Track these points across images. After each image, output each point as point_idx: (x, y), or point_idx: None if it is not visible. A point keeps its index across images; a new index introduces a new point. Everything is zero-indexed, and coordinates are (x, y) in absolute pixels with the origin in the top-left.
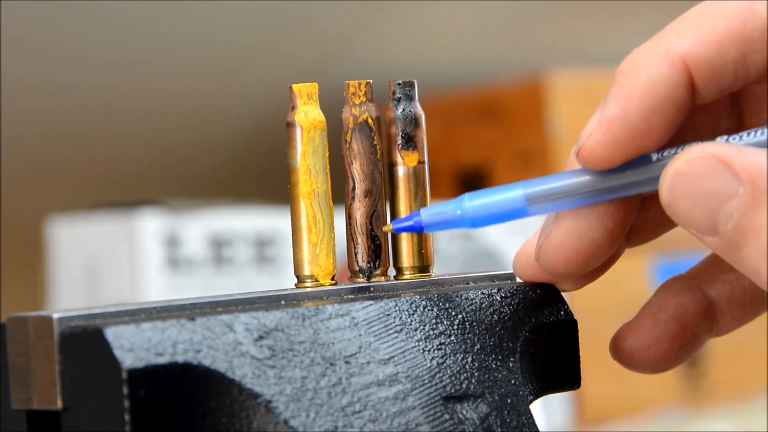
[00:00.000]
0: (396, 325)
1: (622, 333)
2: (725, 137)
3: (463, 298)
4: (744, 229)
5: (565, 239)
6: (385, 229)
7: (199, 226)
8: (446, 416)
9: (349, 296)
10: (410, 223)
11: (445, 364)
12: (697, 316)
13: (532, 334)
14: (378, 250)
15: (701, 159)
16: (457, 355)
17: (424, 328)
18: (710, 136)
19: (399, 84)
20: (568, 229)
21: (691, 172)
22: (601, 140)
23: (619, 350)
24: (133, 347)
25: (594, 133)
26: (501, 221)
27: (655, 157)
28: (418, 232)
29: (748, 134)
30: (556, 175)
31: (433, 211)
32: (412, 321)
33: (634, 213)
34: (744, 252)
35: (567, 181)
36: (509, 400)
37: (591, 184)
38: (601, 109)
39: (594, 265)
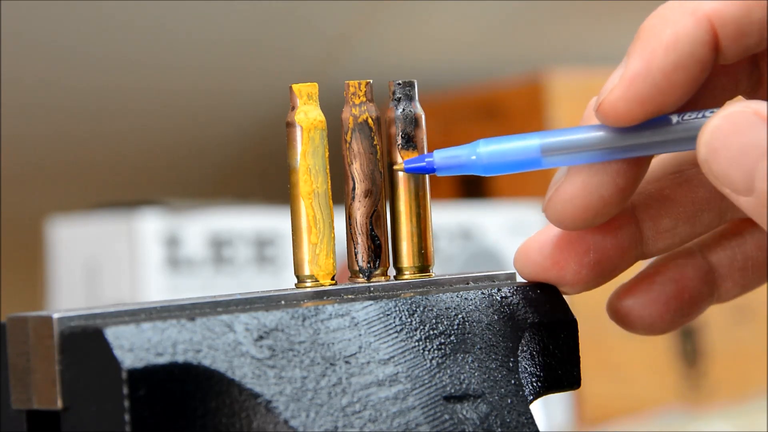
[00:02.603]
0: (396, 325)
1: (619, 293)
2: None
3: (463, 298)
4: None
5: (575, 193)
6: (395, 167)
7: (199, 226)
8: (446, 416)
9: (349, 296)
10: (422, 164)
11: (445, 364)
12: (695, 280)
13: (532, 334)
14: (378, 250)
15: (742, 114)
16: (457, 355)
17: (424, 328)
18: (729, 98)
19: (399, 84)
20: (580, 183)
21: (730, 127)
22: (623, 96)
23: (615, 310)
24: (133, 347)
25: (616, 89)
26: (514, 170)
27: (675, 119)
28: (429, 173)
29: None
30: (574, 129)
31: (447, 154)
32: (412, 321)
33: (644, 173)
34: None
35: (584, 135)
36: (509, 400)
37: (608, 140)
38: (623, 64)
39: (599, 222)
